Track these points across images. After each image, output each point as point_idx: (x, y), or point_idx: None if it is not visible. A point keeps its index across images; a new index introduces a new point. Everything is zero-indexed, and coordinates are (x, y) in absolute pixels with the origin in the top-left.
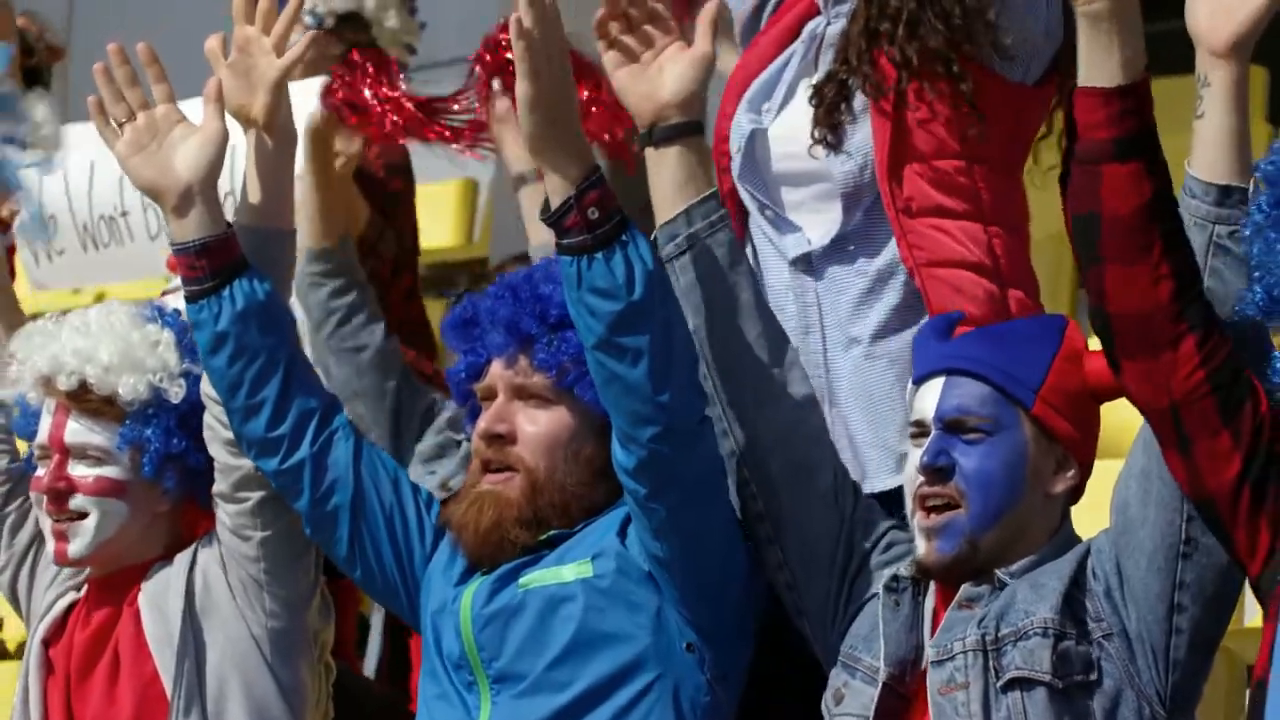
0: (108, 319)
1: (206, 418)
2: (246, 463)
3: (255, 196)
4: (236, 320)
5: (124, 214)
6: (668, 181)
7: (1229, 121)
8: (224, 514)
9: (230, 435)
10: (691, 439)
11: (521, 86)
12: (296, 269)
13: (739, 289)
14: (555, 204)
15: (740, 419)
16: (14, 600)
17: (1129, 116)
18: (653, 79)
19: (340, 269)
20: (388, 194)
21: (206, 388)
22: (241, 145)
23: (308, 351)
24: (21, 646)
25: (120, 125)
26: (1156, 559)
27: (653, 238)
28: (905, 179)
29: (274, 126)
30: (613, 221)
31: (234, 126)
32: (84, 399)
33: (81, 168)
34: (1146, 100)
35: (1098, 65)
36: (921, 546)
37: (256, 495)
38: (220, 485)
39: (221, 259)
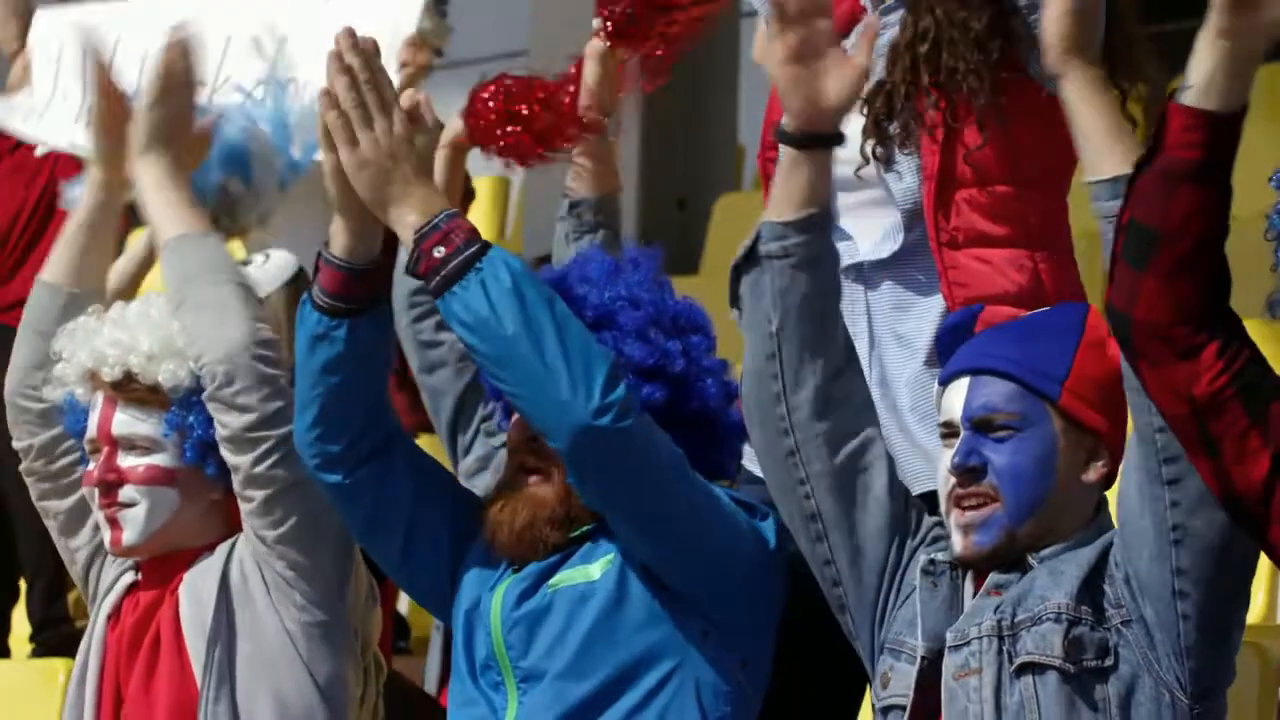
0: (146, 310)
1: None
2: (244, 460)
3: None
4: (357, 354)
5: None
6: (800, 185)
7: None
8: (243, 513)
9: (230, 433)
10: (609, 437)
11: (342, 154)
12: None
13: (829, 295)
14: (408, 257)
15: (806, 419)
16: (85, 583)
17: (1222, 144)
18: (818, 84)
19: None
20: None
21: (215, 390)
22: None
23: None
24: None
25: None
26: (1156, 548)
27: (757, 229)
28: (955, 208)
29: None
30: (461, 256)
31: None
32: (129, 389)
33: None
34: (1239, 134)
35: (1215, 88)
36: (958, 542)
37: (260, 494)
38: (234, 483)
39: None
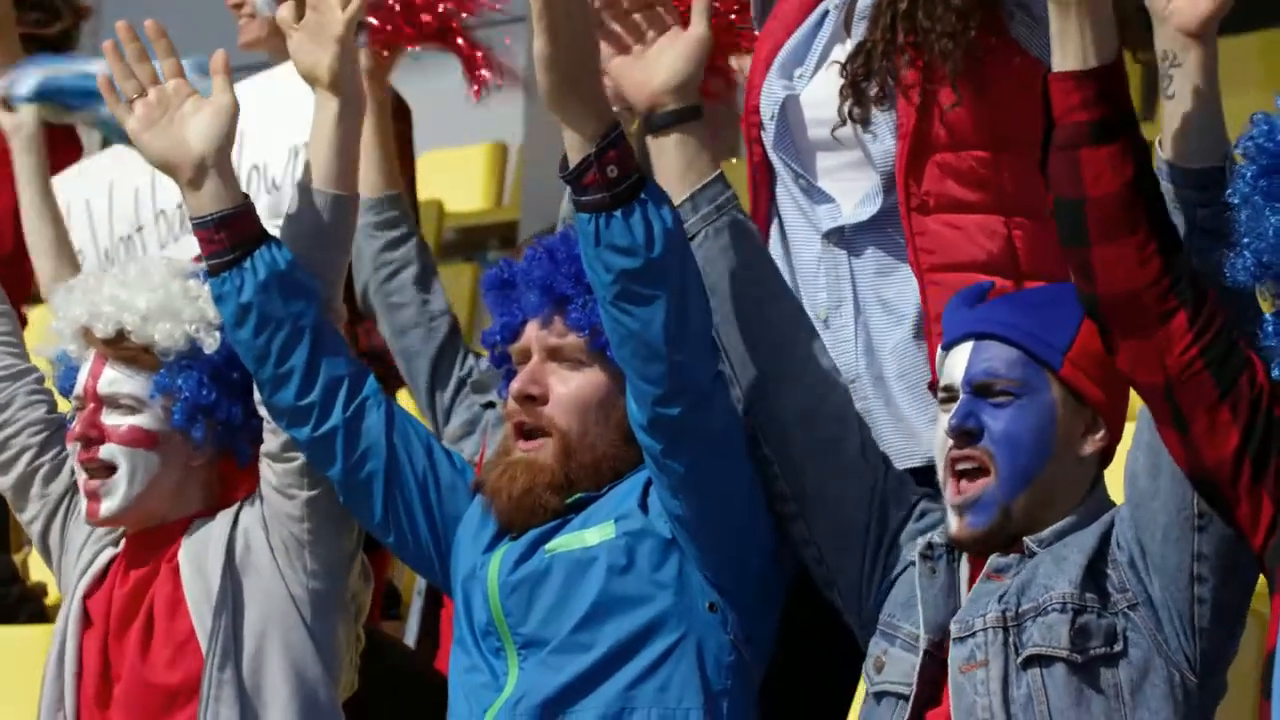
0: (146, 270)
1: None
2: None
3: (320, 159)
4: (259, 290)
5: (139, 229)
6: (670, 169)
7: (1203, 102)
8: (270, 473)
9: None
10: (705, 396)
11: (538, 44)
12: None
13: (749, 268)
14: (574, 161)
15: (760, 399)
16: (45, 552)
17: (1103, 99)
18: (648, 66)
19: (398, 219)
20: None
21: None
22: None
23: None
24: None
25: (131, 102)
26: (1172, 532)
27: None
28: (925, 172)
29: (339, 85)
30: (631, 180)
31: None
32: (121, 346)
33: (100, 193)
34: (1120, 81)
35: (1069, 50)
36: (953, 523)
37: (302, 455)
38: (270, 445)
39: (241, 230)
